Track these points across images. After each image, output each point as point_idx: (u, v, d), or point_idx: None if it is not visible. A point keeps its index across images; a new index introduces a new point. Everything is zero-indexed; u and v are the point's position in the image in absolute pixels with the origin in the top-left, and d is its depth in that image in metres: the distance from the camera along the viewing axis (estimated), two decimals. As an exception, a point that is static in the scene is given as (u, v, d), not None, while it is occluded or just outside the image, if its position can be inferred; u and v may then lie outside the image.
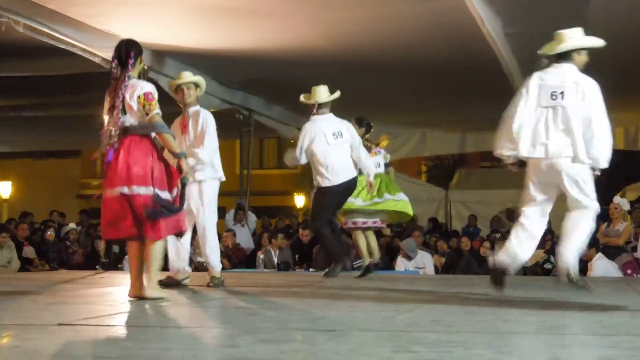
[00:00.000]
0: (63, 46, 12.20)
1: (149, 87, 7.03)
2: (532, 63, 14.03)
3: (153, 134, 7.00)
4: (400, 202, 10.85)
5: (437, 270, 13.92)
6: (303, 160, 10.54)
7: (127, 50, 7.28)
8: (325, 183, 10.18)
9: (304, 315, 6.03)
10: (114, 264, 14.51)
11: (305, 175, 24.75)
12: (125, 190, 6.78)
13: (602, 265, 11.76)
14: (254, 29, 12.71)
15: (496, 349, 4.25)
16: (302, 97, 10.73)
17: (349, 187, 10.30)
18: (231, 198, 19.71)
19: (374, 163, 10.84)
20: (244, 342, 4.47)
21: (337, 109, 19.43)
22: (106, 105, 7.17)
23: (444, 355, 4.04)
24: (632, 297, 7.61)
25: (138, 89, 6.98)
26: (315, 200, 10.52)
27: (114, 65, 7.24)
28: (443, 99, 16.80)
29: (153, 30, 12.64)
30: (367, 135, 11.36)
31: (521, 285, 9.44)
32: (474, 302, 7.15)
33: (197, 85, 9.26)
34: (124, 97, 6.95)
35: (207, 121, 9.00)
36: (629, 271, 12.14)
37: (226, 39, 13.24)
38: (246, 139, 19.15)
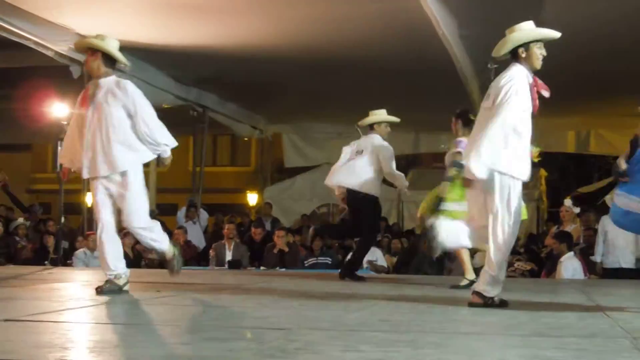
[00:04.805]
0: (16, 39, 12.09)
1: None
2: (486, 65, 14.14)
3: None
4: None
5: (389, 271, 13.96)
6: None
7: None
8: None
9: (253, 313, 6.01)
10: (63, 259, 14.36)
11: (258, 174, 24.70)
12: None
13: (570, 265, 11.78)
14: (209, 25, 12.67)
15: (444, 349, 4.26)
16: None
17: None
18: (183, 195, 19.63)
19: None
20: (193, 340, 4.45)
21: (291, 108, 19.49)
22: None
23: (392, 355, 4.04)
24: (579, 299, 7.68)
25: None
26: (374, 211, 10.54)
27: None
28: (397, 99, 16.83)
29: (107, 25, 12.52)
30: None
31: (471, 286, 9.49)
32: (423, 302, 7.17)
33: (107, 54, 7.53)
34: None
35: (135, 92, 7.50)
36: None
37: (181, 35, 13.19)
38: (200, 136, 19.08)
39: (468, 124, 9.13)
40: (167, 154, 7.61)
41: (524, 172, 6.51)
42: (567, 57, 13.27)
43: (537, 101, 6.74)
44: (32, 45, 12.48)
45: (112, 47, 7.51)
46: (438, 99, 15.78)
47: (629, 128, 19.55)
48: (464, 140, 8.89)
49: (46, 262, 14.16)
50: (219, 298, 7.36)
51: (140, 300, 7.07)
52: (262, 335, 4.71)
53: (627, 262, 12.31)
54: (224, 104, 18.86)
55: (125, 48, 13.66)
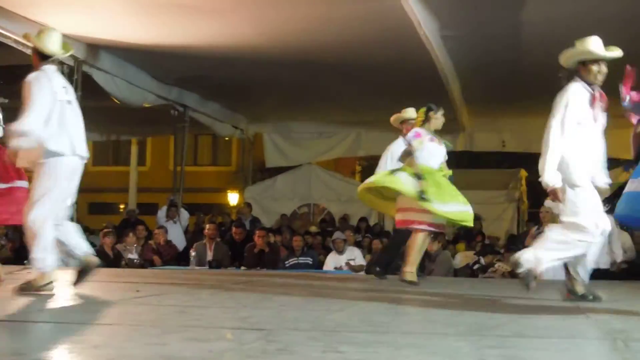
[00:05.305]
0: (-5, 36, 12.02)
1: None
2: (467, 66, 14.21)
3: None
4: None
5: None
6: None
7: None
8: None
9: (234, 313, 6.00)
10: (43, 259, 14.26)
11: (239, 173, 24.68)
12: None
13: (550, 267, 11.77)
14: (192, 25, 12.64)
15: (423, 350, 4.26)
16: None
17: None
18: (164, 194, 19.58)
19: None
20: (172, 340, 4.43)
21: (273, 108, 19.46)
22: None
23: (371, 356, 4.04)
24: (559, 299, 7.70)
25: None
26: None
27: None
28: (379, 99, 16.87)
29: (88, 23, 12.51)
30: None
31: (451, 286, 9.52)
32: (403, 302, 7.18)
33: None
34: None
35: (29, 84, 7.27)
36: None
37: (163, 34, 13.15)
38: (180, 135, 19.03)
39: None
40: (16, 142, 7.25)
41: (580, 178, 6.90)
42: (549, 56, 13.30)
43: (601, 113, 7.09)
44: (12, 44, 12.41)
45: (42, 41, 7.47)
46: (419, 100, 15.82)
47: (610, 129, 19.70)
48: (416, 130, 9.54)
49: (26, 261, 14.05)
50: (199, 298, 7.34)
51: (119, 300, 7.04)
52: (242, 336, 4.70)
53: (604, 263, 12.36)
54: (205, 104, 18.83)
55: (105, 46, 13.76)
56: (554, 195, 6.89)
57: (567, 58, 7.18)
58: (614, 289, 9.45)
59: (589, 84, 7.04)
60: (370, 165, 32.39)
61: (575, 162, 6.89)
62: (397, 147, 10.47)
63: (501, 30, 12.51)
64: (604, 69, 7.08)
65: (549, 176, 6.85)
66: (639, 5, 11.23)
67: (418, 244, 9.32)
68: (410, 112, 10.72)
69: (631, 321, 5.74)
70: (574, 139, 6.90)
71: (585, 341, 4.74)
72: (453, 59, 14.03)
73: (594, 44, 7.07)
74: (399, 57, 13.77)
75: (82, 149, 7.45)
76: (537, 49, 13.04)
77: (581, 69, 7.07)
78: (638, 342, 4.68)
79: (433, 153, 9.53)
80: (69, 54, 7.96)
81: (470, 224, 9.81)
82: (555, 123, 6.93)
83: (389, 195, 9.62)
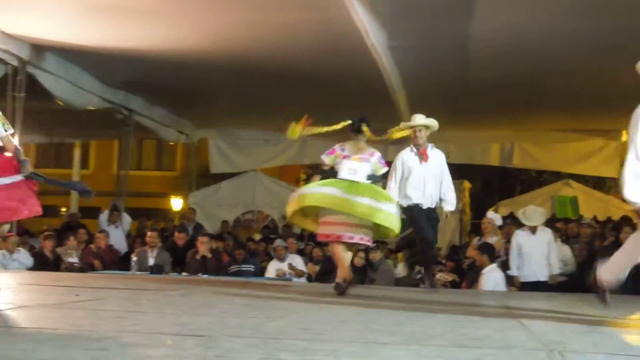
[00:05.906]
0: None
1: None
2: (414, 76, 14.28)
3: None
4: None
5: (310, 279, 13.97)
6: None
7: None
8: None
9: (173, 319, 5.96)
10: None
11: (183, 179, 24.56)
12: None
13: (492, 278, 11.90)
14: (139, 28, 12.58)
15: (363, 358, 4.27)
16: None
17: None
18: (107, 198, 19.42)
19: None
20: (111, 346, 4.39)
21: (218, 114, 19.40)
22: None
23: (311, 364, 4.04)
24: (498, 310, 7.77)
25: None
26: (410, 221, 10.94)
27: None
28: (325, 107, 16.87)
29: (33, 23, 12.38)
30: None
31: (392, 295, 9.56)
32: (344, 311, 7.19)
33: None
34: None
35: None
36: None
37: (109, 37, 13.06)
38: (125, 139, 18.91)
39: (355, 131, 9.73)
40: None
41: None
42: (493, 71, 13.46)
43: None
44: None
45: None
46: (366, 109, 15.86)
47: (552, 143, 19.97)
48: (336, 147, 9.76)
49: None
50: (139, 303, 7.29)
51: (58, 304, 6.96)
52: (181, 342, 4.68)
53: (543, 275, 12.49)
54: (151, 108, 18.73)
55: (51, 47, 13.62)
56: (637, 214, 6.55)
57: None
58: (552, 300, 9.56)
59: None
60: (314, 173, 32.48)
61: None
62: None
63: (448, 42, 12.61)
64: None
65: (628, 193, 6.38)
66: (584, 18, 11.37)
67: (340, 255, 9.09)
68: (419, 119, 10.88)
69: (568, 332, 5.81)
70: None
71: (523, 352, 4.78)
72: (400, 70, 14.10)
73: None
74: (346, 66, 13.82)
75: None
76: (483, 62, 13.17)
77: None
78: (575, 353, 4.73)
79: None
80: None
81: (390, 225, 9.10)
82: (634, 137, 6.55)
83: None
